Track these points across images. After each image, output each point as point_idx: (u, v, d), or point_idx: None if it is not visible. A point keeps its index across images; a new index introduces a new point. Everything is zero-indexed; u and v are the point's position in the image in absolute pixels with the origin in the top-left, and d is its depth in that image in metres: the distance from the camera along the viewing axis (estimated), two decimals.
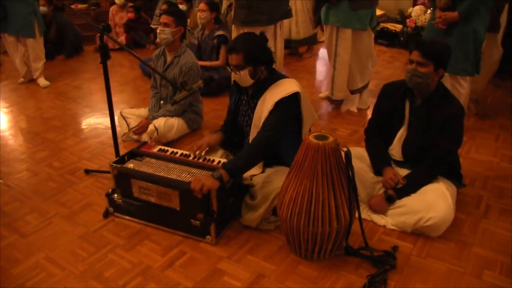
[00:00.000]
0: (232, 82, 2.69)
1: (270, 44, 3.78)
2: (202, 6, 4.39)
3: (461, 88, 3.31)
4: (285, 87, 2.31)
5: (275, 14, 3.73)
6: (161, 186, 2.25)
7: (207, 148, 2.50)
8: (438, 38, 3.15)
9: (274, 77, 2.39)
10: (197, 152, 2.46)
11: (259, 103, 2.37)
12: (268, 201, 2.26)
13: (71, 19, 6.12)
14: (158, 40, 3.33)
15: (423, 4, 5.69)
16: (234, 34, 3.88)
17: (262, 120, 2.31)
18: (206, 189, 2.09)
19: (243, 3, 3.60)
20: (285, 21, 5.36)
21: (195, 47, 4.52)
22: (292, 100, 2.29)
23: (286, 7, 3.88)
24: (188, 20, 5.47)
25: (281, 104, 2.26)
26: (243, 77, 2.33)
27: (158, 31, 3.27)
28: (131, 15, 6.35)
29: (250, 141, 2.40)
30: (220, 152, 2.62)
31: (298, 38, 5.53)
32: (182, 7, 5.33)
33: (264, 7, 3.61)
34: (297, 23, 5.42)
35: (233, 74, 2.35)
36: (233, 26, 3.88)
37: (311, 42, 5.71)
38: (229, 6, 5.80)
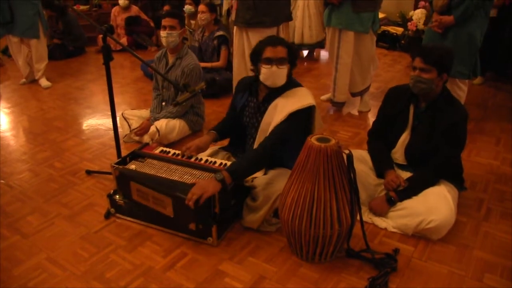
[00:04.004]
0: (237, 82, 2.65)
1: None
2: (202, 7, 4.39)
3: (460, 90, 3.33)
4: (301, 98, 2.26)
5: (279, 17, 3.73)
6: (155, 192, 2.23)
7: (195, 149, 2.47)
8: (436, 42, 3.19)
9: (289, 83, 2.35)
10: (186, 152, 2.45)
11: (270, 108, 2.33)
12: (269, 203, 2.26)
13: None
14: (164, 44, 3.30)
15: (424, 7, 5.70)
16: (236, 36, 3.87)
17: (271, 126, 2.27)
18: (207, 195, 2.06)
19: (249, 4, 3.58)
20: (298, 25, 5.39)
21: (196, 49, 4.53)
22: (306, 113, 2.28)
23: (288, 10, 3.89)
24: (193, 22, 5.47)
25: (294, 115, 2.24)
26: (281, 73, 2.28)
27: (164, 35, 3.23)
28: (129, 38, 6.40)
29: (255, 144, 2.40)
30: (222, 154, 2.62)
31: (312, 42, 5.51)
32: (190, 8, 5.33)
33: (270, 9, 3.60)
34: (311, 27, 5.40)
35: (268, 68, 2.26)
36: (235, 27, 3.86)
37: (321, 46, 5.71)
38: (229, 9, 5.82)
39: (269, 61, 2.26)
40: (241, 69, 3.92)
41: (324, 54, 6.03)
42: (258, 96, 2.44)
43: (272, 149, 2.22)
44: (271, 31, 3.70)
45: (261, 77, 2.33)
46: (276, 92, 2.35)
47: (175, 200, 2.16)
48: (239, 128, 2.59)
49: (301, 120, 2.29)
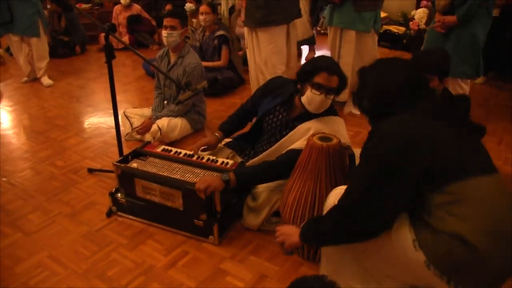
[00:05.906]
0: (269, 82, 2.55)
1: (283, 44, 3.74)
2: (205, 8, 4.36)
3: (461, 90, 3.34)
4: (336, 133, 2.12)
5: (290, 13, 3.67)
6: (164, 186, 2.25)
7: (205, 147, 2.49)
8: (438, 43, 3.19)
9: (327, 108, 2.24)
10: (195, 149, 2.45)
11: (301, 129, 2.24)
12: (270, 204, 2.26)
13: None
14: (165, 43, 3.30)
15: (426, 6, 5.69)
16: (248, 38, 3.76)
17: (294, 146, 2.19)
18: (211, 190, 2.09)
19: (260, 3, 3.46)
20: None
21: (197, 49, 4.53)
22: None
23: (298, 6, 3.84)
24: (195, 21, 5.48)
25: None
26: (327, 102, 2.18)
27: (165, 34, 3.23)
28: (130, 36, 6.40)
29: (267, 153, 2.36)
30: (227, 152, 2.61)
31: (298, 40, 5.52)
32: (190, 6, 5.32)
33: (281, 7, 3.51)
34: (295, 25, 5.41)
35: (317, 95, 2.13)
36: (246, 29, 3.79)
37: (311, 43, 5.71)
38: (231, 8, 5.81)
39: (320, 88, 2.12)
40: (257, 74, 3.81)
41: (325, 52, 6.02)
42: (291, 112, 2.35)
43: (286, 168, 2.14)
44: (280, 29, 3.65)
45: (304, 99, 2.19)
46: (311, 115, 2.25)
47: (186, 192, 2.18)
48: (255, 129, 2.55)
49: None
